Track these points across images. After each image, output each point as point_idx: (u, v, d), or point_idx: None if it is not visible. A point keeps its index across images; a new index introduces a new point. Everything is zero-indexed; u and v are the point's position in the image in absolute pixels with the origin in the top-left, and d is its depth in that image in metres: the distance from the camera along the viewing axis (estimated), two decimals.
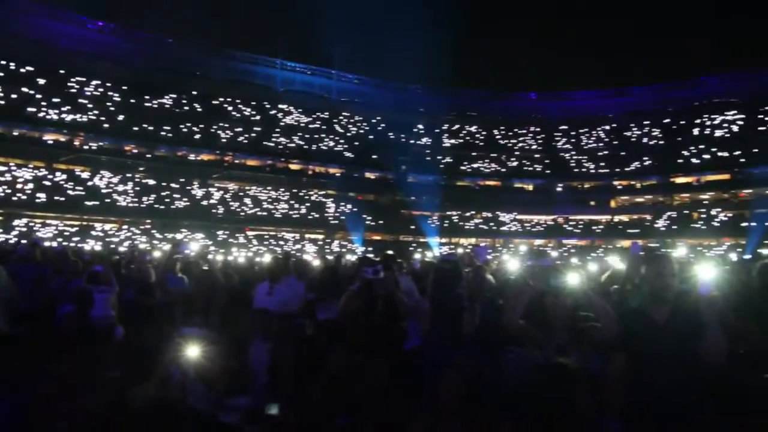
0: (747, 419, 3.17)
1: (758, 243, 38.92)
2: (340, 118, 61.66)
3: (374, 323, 5.22)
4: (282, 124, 57.68)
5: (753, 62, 59.94)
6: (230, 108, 55.65)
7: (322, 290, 7.30)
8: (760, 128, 54.58)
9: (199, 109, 53.18)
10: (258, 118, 56.42)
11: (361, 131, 61.55)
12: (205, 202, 48.28)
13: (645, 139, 61.49)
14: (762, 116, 55.26)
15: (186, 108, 52.77)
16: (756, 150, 51.84)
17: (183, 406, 4.00)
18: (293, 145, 56.21)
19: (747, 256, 27.24)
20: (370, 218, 52.93)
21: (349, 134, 60.71)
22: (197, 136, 51.18)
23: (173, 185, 47.78)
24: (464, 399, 3.56)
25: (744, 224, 48.35)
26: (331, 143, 58.53)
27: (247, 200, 51.03)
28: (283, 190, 53.82)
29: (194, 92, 53.61)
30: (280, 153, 55.31)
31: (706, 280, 3.70)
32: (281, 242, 46.80)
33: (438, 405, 3.59)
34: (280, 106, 58.97)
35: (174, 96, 52.52)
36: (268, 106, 57.95)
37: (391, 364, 4.67)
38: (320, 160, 57.07)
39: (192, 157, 51.33)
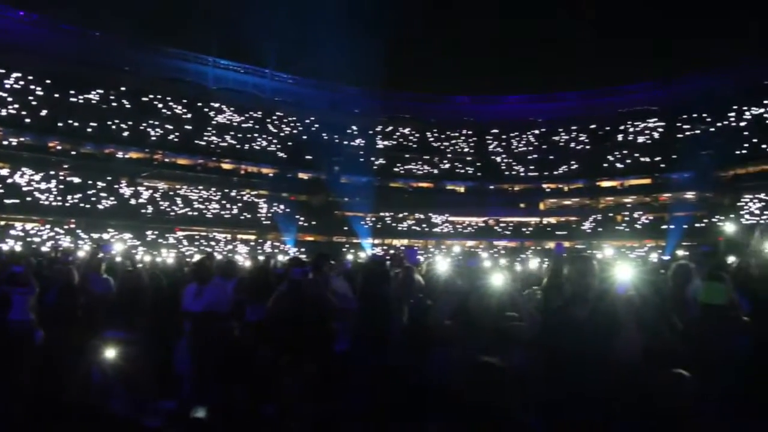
0: (653, 414, 3.33)
1: (676, 245, 40.55)
2: (274, 117, 61.05)
3: (302, 324, 5.20)
4: (214, 122, 56.63)
5: (671, 72, 62.60)
6: (160, 105, 54.28)
7: (252, 291, 7.23)
8: (678, 135, 56.93)
9: (128, 106, 51.67)
10: (189, 116, 55.23)
11: (295, 131, 61.09)
12: (133, 202, 46.97)
13: (572, 144, 63.38)
14: (680, 124, 57.69)
15: (114, 104, 51.16)
16: (674, 156, 54.07)
17: (104, 411, 3.91)
18: (225, 144, 55.33)
19: (666, 257, 28.40)
20: (302, 219, 52.61)
21: (282, 134, 60.17)
22: (125, 134, 49.75)
23: (100, 183, 46.26)
24: (392, 398, 3.60)
25: (664, 227, 50.39)
26: (264, 143, 57.87)
27: (178, 200, 49.87)
28: (214, 189, 52.85)
29: (123, 88, 52.03)
30: (211, 152, 54.36)
31: (623, 281, 3.87)
32: (212, 243, 45.97)
33: (367, 404, 3.62)
34: (212, 104, 57.87)
35: (101, 91, 50.81)
36: (199, 104, 56.80)
37: (320, 364, 4.70)
38: (253, 159, 56.40)
39: (120, 154, 49.86)
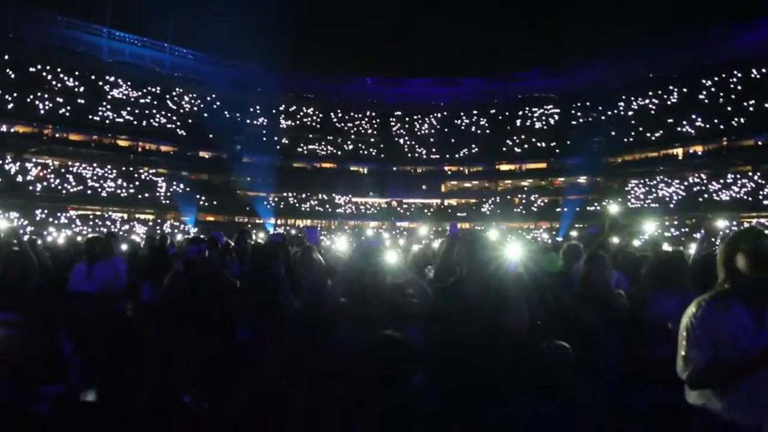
0: (534, 383, 3.54)
1: (569, 226, 42.43)
2: (173, 93, 58.93)
3: (197, 304, 5.15)
4: (109, 97, 54.08)
5: (567, 61, 65.09)
6: (50, 77, 51.37)
7: (148, 271, 7.08)
8: (572, 122, 59.42)
9: (12, 76, 48.67)
10: (82, 89, 52.59)
11: (195, 108, 59.26)
12: (20, 179, 44.39)
13: (473, 128, 64.73)
14: (574, 111, 60.16)
15: None
16: (569, 142, 56.48)
17: None
18: (121, 120, 53.03)
19: (559, 238, 29.69)
20: (203, 199, 51.39)
21: (182, 111, 58.24)
22: (10, 106, 46.89)
23: None
24: (289, 374, 3.65)
25: (558, 209, 52.63)
26: (163, 120, 55.86)
27: (70, 177, 47.49)
28: (110, 167, 50.68)
29: (6, 57, 48.86)
30: (107, 128, 52.01)
31: (513, 260, 4.08)
32: (108, 223, 44.15)
33: (263, 381, 3.66)
34: (107, 77, 55.23)
35: None
36: (93, 77, 54.11)
37: (216, 343, 4.69)
38: (151, 136, 54.42)
39: (4, 128, 47.02)
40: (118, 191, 48.80)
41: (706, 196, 46.10)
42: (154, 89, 57.40)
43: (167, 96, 58.04)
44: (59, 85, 51.50)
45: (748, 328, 2.94)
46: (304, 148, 62.79)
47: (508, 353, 3.74)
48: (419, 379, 3.81)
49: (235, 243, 7.30)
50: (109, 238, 7.68)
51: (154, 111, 55.72)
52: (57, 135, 49.49)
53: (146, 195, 50.01)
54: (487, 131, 63.80)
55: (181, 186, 51.82)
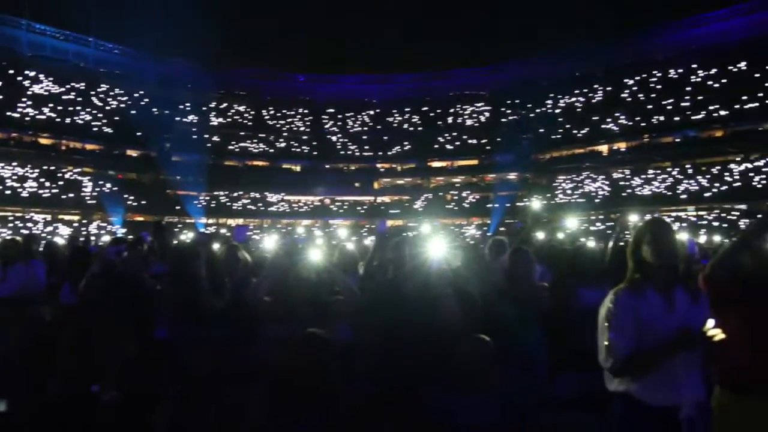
0: (457, 376, 3.61)
1: (500, 222, 43.31)
2: (99, 90, 56.88)
3: (116, 306, 5.04)
4: (30, 93, 51.88)
5: (499, 58, 66.28)
6: None
7: (69, 273, 6.87)
8: (502, 119, 60.57)
9: None
10: (0, 85, 50.38)
11: (122, 105, 57.31)
12: None
13: (405, 125, 65.12)
14: (504, 109, 61.33)
15: None
16: (499, 139, 57.59)
17: None
18: (43, 117, 50.94)
19: (489, 234, 30.32)
20: (131, 198, 50.03)
21: (108, 108, 56.21)
22: None
23: None
24: (215, 373, 3.62)
25: (489, 205, 53.59)
26: (88, 117, 53.90)
27: None
28: (31, 166, 48.65)
29: None
30: (27, 125, 49.92)
31: (437, 256, 4.15)
32: (30, 224, 42.44)
33: (188, 379, 3.62)
34: (26, 72, 52.91)
35: None
36: (11, 71, 51.76)
37: (132, 342, 4.60)
38: (75, 134, 52.49)
39: None
40: (41, 191, 46.93)
41: (629, 191, 47.80)
42: (78, 85, 55.22)
43: (92, 92, 55.97)
44: None
45: (662, 311, 3.10)
46: (236, 145, 61.84)
47: (439, 348, 3.82)
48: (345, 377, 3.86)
49: (154, 241, 7.15)
50: (27, 240, 7.41)
51: (78, 108, 53.64)
52: None
53: (71, 195, 48.28)
54: (419, 128, 64.32)
55: (108, 185, 50.27)
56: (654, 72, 52.35)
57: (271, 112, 65.62)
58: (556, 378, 4.95)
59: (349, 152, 64.24)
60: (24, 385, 4.02)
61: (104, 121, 54.40)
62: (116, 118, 55.08)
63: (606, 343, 3.21)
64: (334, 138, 65.42)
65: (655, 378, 3.06)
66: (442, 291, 4.17)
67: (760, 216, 3.69)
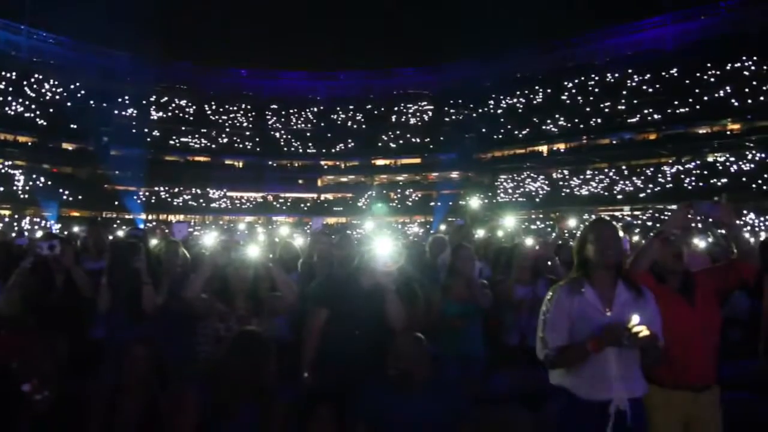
0: (394, 373, 3.64)
1: (442, 220, 43.69)
2: (32, 80, 54.86)
3: (51, 303, 4.90)
4: None
5: (441, 59, 67.00)
6: None
7: None
8: (446, 119, 61.24)
9: None
10: None
11: (57, 97, 55.41)
12: None
13: (349, 123, 65.08)
14: (447, 108, 61.99)
15: None
16: (442, 138, 58.23)
17: None
18: None
19: (432, 232, 30.56)
20: (67, 193, 48.51)
21: (42, 99, 54.28)
22: None
23: None
24: (148, 373, 3.57)
25: (432, 203, 54.09)
26: (21, 108, 52.02)
27: None
28: None
29: None
30: None
31: (383, 253, 4.18)
32: None
33: (122, 380, 3.55)
34: None
35: None
36: None
37: (72, 346, 4.47)
38: (7, 126, 50.52)
39: None
40: None
41: (567, 191, 48.91)
42: (9, 74, 53.11)
43: (25, 82, 53.92)
44: None
45: (597, 310, 3.19)
46: (177, 140, 60.61)
47: (385, 344, 3.85)
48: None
49: (88, 237, 6.97)
50: None
51: (10, 98, 51.68)
52: None
53: (1, 189, 46.54)
54: (363, 126, 64.36)
55: (42, 179, 48.64)
56: (592, 76, 53.70)
57: (213, 107, 64.49)
58: (492, 375, 5.04)
59: (293, 149, 63.85)
60: None
61: (38, 112, 52.45)
62: (51, 110, 53.26)
63: (541, 335, 3.30)
64: (277, 134, 64.89)
65: (589, 373, 3.15)
66: (388, 287, 4.21)
67: (676, 208, 3.87)
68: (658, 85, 48.60)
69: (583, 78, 53.99)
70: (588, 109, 51.78)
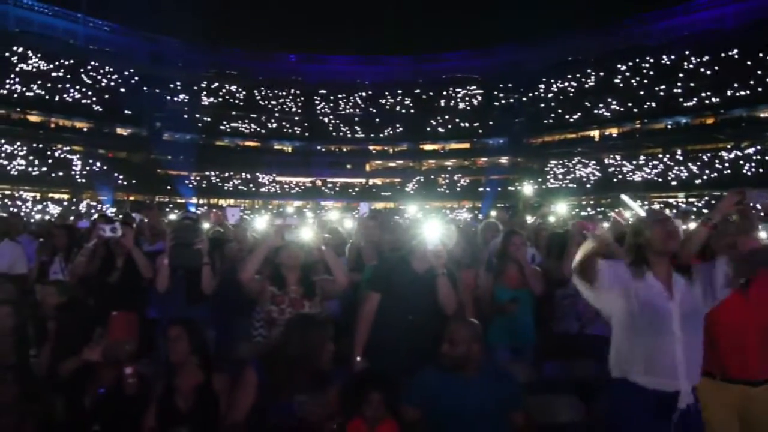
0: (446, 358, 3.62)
1: (491, 205, 43.37)
2: (88, 67, 56.24)
3: (111, 284, 5.03)
4: (18, 69, 51.28)
5: (492, 42, 66.13)
6: None
7: (57, 250, 6.82)
8: (495, 103, 60.52)
9: None
10: None
11: (112, 83, 56.81)
12: None
13: (398, 108, 64.92)
14: (497, 92, 61.22)
15: None
16: (491, 122, 57.61)
17: None
18: (32, 94, 50.46)
19: (480, 217, 30.37)
20: (121, 177, 49.72)
21: (98, 86, 55.69)
22: None
23: None
24: (187, 353, 3.59)
25: (480, 189, 53.67)
26: (78, 95, 53.45)
27: None
28: (19, 144, 48.24)
29: None
30: (15, 102, 49.43)
31: (432, 237, 4.15)
32: (19, 203, 42.06)
33: (172, 361, 3.60)
34: (14, 48, 52.14)
35: None
36: None
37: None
38: (64, 112, 52.04)
39: None
40: (30, 169, 46.53)
41: (620, 176, 47.89)
42: (66, 62, 54.59)
43: (81, 69, 55.38)
44: None
45: (663, 296, 3.12)
46: (227, 125, 61.57)
47: (439, 328, 3.84)
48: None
49: (144, 221, 7.15)
50: (15, 217, 7.38)
51: (68, 85, 53.17)
52: None
53: (60, 174, 47.92)
54: (411, 111, 64.13)
55: (98, 164, 49.98)
56: (646, 58, 52.18)
57: (263, 93, 65.20)
58: (544, 363, 4.97)
59: (341, 134, 64.09)
60: (14, 363, 3.99)
61: (94, 98, 53.94)
62: (106, 96, 54.65)
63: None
64: (326, 119, 65.19)
65: (656, 363, 3.08)
66: (440, 271, 4.19)
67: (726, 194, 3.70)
68: (716, 67, 46.85)
69: (637, 60, 52.53)
70: (642, 92, 50.48)
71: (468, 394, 3.43)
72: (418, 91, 65.38)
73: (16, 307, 4.31)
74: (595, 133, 53.98)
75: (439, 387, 3.47)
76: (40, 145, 49.35)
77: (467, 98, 63.99)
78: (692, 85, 47.54)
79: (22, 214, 26.93)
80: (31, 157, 47.41)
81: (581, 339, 5.09)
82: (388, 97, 65.77)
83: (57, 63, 53.74)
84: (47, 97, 51.20)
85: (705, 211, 33.83)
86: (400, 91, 65.57)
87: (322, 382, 3.38)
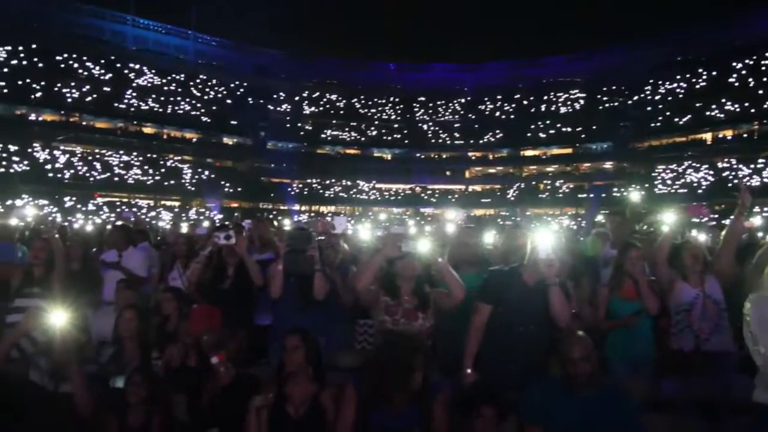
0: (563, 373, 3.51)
1: (595, 212, 42.06)
2: (197, 81, 59.16)
3: (225, 290, 5.17)
4: (134, 84, 54.47)
5: (593, 45, 64.36)
6: (75, 65, 51.73)
7: (175, 258, 7.13)
8: (598, 107, 58.78)
9: (40, 65, 49.07)
10: (107, 77, 52.97)
11: (219, 95, 59.53)
12: (48, 166, 44.84)
13: (497, 113, 64.22)
14: (600, 96, 59.47)
15: (24, 62, 48.36)
16: (594, 127, 55.95)
17: (24, 381, 3.83)
18: (146, 107, 53.47)
19: (583, 224, 29.51)
20: (228, 185, 51.71)
21: (206, 98, 58.47)
22: (38, 95, 47.42)
23: (11, 147, 43.82)
24: (303, 363, 3.65)
25: (583, 195, 52.18)
26: (188, 107, 56.22)
27: (97, 164, 47.95)
28: (135, 154, 51.10)
29: (33, 45, 49.00)
30: (132, 115, 52.51)
31: (543, 246, 4.02)
32: (134, 209, 44.39)
33: (284, 369, 3.66)
34: (131, 65, 55.51)
35: (8, 48, 47.46)
36: (118, 65, 54.44)
37: (246, 333, 4.73)
38: (176, 124, 54.83)
39: (33, 117, 47.59)
40: (144, 178, 49.22)
41: (735, 181, 45.27)
42: (178, 77, 57.70)
43: (191, 83, 58.32)
44: (85, 73, 51.91)
45: None
46: (328, 134, 62.88)
47: (547, 342, 3.74)
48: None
49: (253, 230, 7.33)
50: (138, 224, 7.77)
51: (179, 98, 56.09)
52: (84, 123, 50.08)
53: (171, 182, 50.40)
54: (512, 116, 63.28)
55: (206, 173, 52.22)
56: (766, 55, 49.21)
57: (363, 101, 66.18)
58: (663, 380, 4.74)
59: (441, 140, 64.04)
60: (138, 363, 4.22)
61: (203, 110, 56.57)
62: (214, 107, 57.18)
63: (756, 348, 2.99)
64: (425, 126, 65.34)
65: None
66: (552, 282, 4.05)
67: None
68: None
69: (755, 58, 49.64)
70: (760, 91, 47.64)
71: (582, 410, 3.31)
72: (518, 96, 64.43)
73: (139, 311, 4.56)
74: (708, 136, 51.40)
75: (553, 403, 3.37)
76: (154, 155, 52.12)
77: (569, 102, 62.48)
78: None
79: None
80: (145, 167, 50.12)
81: (698, 355, 4.81)
82: (488, 102, 65.22)
83: (169, 78, 56.75)
84: (160, 110, 54.02)
85: None
86: (499, 97, 64.85)
87: (422, 395, 3.35)
